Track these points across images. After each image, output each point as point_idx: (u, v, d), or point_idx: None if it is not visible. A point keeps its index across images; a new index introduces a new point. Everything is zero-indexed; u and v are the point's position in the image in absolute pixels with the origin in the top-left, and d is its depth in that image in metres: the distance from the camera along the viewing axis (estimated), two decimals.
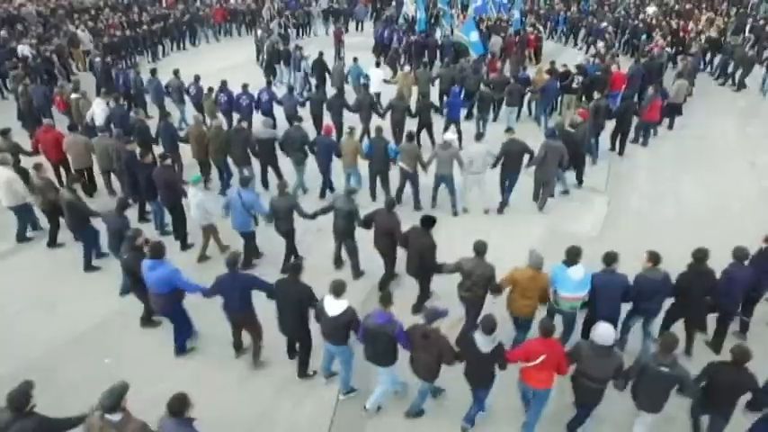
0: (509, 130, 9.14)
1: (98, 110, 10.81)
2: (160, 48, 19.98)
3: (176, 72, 12.79)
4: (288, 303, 5.46)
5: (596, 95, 11.50)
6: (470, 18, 16.33)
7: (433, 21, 20.07)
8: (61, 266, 7.86)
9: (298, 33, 23.17)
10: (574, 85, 12.88)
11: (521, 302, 5.78)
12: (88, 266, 7.71)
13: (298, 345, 5.88)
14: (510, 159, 8.65)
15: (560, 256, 6.69)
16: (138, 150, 8.38)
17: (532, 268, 5.65)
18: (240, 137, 9.18)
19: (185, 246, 8.15)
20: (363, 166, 9.21)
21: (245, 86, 11.89)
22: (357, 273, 7.43)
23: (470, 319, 6.02)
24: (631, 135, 11.73)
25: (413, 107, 11.35)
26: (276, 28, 20.70)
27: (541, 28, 18.86)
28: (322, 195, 9.56)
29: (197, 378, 5.88)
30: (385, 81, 13.64)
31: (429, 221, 6.35)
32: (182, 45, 21.28)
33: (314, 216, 7.27)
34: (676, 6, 23.56)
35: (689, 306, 5.87)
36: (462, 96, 12.04)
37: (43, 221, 8.41)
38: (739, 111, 14.70)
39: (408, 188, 9.02)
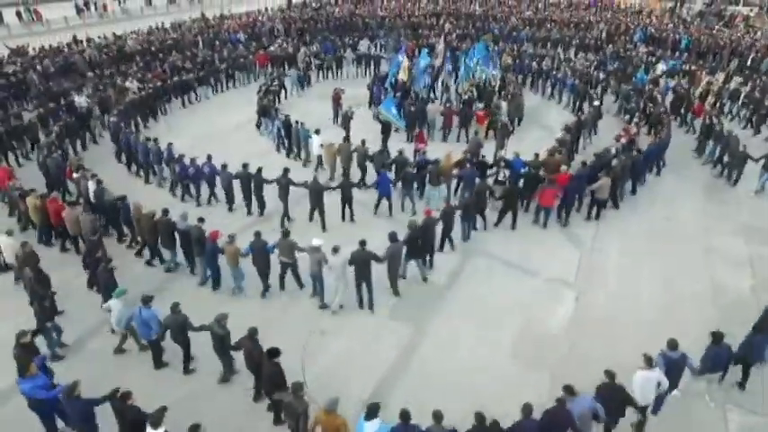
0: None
1: (90, 189, 12.81)
2: (194, 93, 22.27)
3: (155, 140, 15.20)
4: (124, 424, 6.87)
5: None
6: (390, 97, 17.63)
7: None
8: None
9: (326, 75, 25.39)
10: (500, 178, 13.54)
11: None
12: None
13: None
14: (359, 268, 9.73)
15: (531, 360, 9.10)
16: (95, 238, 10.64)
17: (325, 411, 6.60)
18: (165, 226, 10.88)
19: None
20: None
21: (192, 159, 13.83)
22: (225, 378, 8.63)
23: None
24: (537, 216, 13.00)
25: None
26: (294, 74, 23.22)
27: (504, 105, 18.40)
28: (214, 288, 10.82)
29: None
30: (321, 146, 15.21)
31: (274, 353, 7.41)
32: (217, 90, 23.61)
33: (200, 330, 8.38)
34: (684, 66, 23.62)
35: None
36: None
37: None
38: (707, 189, 15.00)
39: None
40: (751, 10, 39.94)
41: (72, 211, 11.68)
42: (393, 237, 10.11)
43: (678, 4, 41.00)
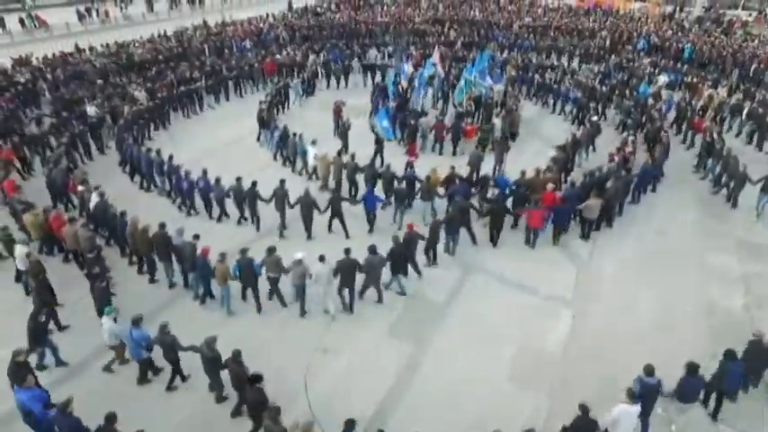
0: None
1: (92, 203, 13.19)
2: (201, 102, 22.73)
3: (158, 151, 15.75)
4: None
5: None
6: (383, 109, 18.05)
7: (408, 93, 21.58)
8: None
9: (332, 85, 25.91)
10: (489, 196, 13.74)
11: None
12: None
13: None
14: (344, 274, 10.53)
15: (529, 378, 9.40)
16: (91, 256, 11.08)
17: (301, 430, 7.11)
18: (161, 241, 11.31)
19: None
20: None
21: (187, 173, 14.34)
22: (219, 398, 9.04)
23: None
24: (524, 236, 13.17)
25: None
26: (299, 85, 23.72)
27: (497, 121, 18.63)
28: (202, 302, 11.22)
29: None
30: (315, 156, 15.82)
31: (256, 379, 7.87)
32: (221, 99, 23.94)
33: (190, 350, 8.82)
34: (686, 78, 23.75)
35: None
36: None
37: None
38: (703, 204, 15.31)
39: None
40: (749, 14, 40.26)
41: (71, 227, 12.06)
42: (372, 249, 10.73)
43: (677, 10, 41.27)
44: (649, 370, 7.84)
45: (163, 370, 9.45)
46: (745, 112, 19.54)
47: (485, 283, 12.02)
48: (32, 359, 9.15)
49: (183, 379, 9.41)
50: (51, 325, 10.29)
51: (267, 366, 9.21)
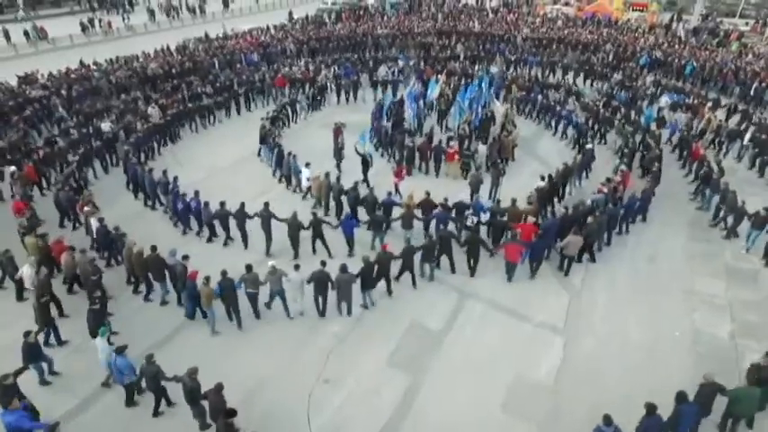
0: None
1: (93, 227, 13.94)
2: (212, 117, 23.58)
3: (164, 172, 16.55)
4: None
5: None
6: (366, 129, 18.58)
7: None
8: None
9: (343, 99, 26.74)
10: (468, 224, 14.19)
11: None
12: (44, 344, 10.79)
13: None
14: (317, 285, 11.77)
15: (521, 409, 9.90)
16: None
17: None
18: (155, 262, 12.11)
19: None
20: None
21: (183, 194, 15.19)
22: (203, 426, 9.49)
23: None
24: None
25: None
26: (304, 100, 24.51)
27: (482, 148, 18.89)
28: (190, 318, 11.97)
29: None
30: (308, 179, 16.62)
31: (230, 414, 8.29)
32: (230, 114, 24.79)
33: (172, 380, 9.38)
34: (686, 99, 24.15)
35: None
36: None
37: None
38: (693, 229, 15.87)
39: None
40: (746, 23, 40.75)
41: (68, 256, 12.68)
42: (343, 268, 11.83)
43: (674, 18, 41.71)
44: (608, 420, 8.27)
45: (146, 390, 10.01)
46: (747, 137, 19.87)
47: (481, 311, 12.62)
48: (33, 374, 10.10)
49: (169, 403, 9.98)
50: (52, 339, 11.30)
51: (270, 397, 10.05)
